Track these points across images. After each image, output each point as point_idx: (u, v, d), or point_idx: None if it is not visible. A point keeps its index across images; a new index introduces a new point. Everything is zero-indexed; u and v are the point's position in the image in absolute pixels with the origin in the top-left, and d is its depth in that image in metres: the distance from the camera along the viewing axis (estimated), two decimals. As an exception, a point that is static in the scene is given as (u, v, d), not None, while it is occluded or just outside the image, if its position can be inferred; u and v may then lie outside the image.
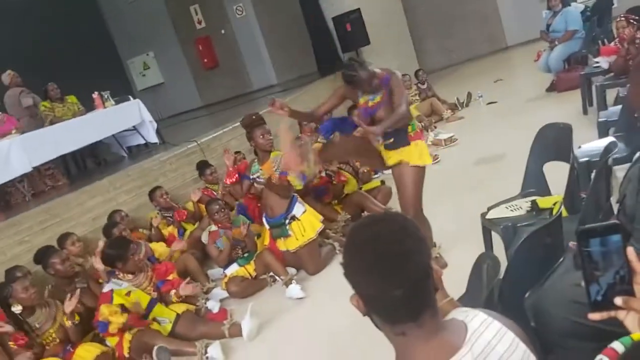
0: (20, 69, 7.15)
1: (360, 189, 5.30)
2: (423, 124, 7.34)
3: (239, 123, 6.98)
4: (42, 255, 4.25)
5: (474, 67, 12.04)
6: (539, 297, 2.07)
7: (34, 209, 5.14)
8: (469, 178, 5.17)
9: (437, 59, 12.87)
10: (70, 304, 3.67)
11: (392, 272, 1.07)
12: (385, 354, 1.34)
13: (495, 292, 1.80)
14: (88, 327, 3.96)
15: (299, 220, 4.39)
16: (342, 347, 3.24)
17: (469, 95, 8.44)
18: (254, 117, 4.39)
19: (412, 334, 1.10)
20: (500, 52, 12.72)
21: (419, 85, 8.51)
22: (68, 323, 3.73)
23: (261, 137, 4.32)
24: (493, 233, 3.16)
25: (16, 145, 5.65)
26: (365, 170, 5.57)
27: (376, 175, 5.84)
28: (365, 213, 5.04)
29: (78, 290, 3.80)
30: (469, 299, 1.93)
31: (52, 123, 6.61)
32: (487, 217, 3.17)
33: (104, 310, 3.67)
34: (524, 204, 3.14)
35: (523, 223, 2.94)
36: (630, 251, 1.01)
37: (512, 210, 3.13)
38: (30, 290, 3.65)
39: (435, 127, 7.46)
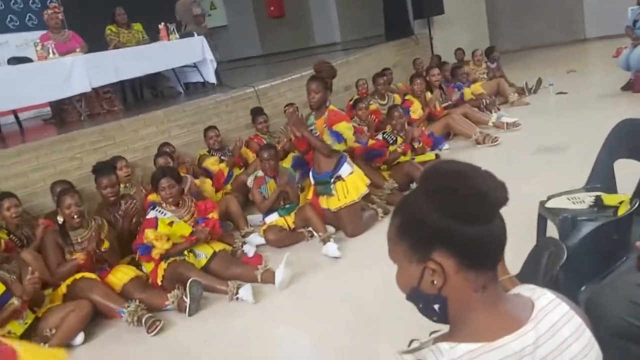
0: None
1: (413, 159, 5.17)
2: (486, 102, 7.12)
3: (298, 75, 7.00)
4: (97, 171, 4.23)
5: (547, 55, 11.57)
6: (596, 292, 1.95)
7: (88, 129, 5.21)
8: (527, 165, 4.96)
9: (511, 41, 12.42)
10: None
11: (500, 189, 1.00)
12: (409, 325, 1.27)
13: (553, 281, 1.70)
14: (126, 250, 4.02)
15: (344, 181, 4.32)
16: (367, 313, 3.20)
17: (539, 81, 8.10)
18: (333, 66, 4.30)
19: (489, 289, 1.02)
20: (578, 43, 12.18)
21: (489, 64, 8.21)
22: (97, 251, 3.73)
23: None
24: (548, 223, 3.03)
25: (78, 64, 5.70)
26: (420, 144, 5.43)
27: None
28: (414, 184, 4.93)
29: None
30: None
31: (115, 48, 6.65)
32: (547, 205, 3.03)
33: (149, 234, 3.72)
34: (588, 198, 2.97)
35: (584, 217, 2.78)
36: None
37: (573, 203, 2.97)
38: (72, 208, 3.68)
39: (499, 109, 7.20)
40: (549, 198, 3.10)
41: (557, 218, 2.84)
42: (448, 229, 0.98)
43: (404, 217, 1.06)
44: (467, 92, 7.13)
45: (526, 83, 8.10)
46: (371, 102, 6.68)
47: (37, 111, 7.14)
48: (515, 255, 1.92)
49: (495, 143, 5.94)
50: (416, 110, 6.42)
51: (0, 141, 5.58)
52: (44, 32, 6.36)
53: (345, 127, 4.21)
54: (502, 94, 7.78)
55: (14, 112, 6.13)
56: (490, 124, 6.56)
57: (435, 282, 1.02)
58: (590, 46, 11.78)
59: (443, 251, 1.00)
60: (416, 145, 5.40)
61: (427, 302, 1.06)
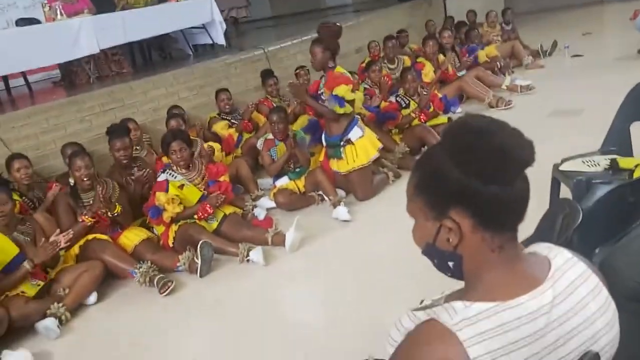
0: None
1: (425, 122, 5.10)
2: (500, 64, 6.99)
3: (309, 37, 6.88)
4: (110, 133, 4.22)
5: (563, 17, 11.32)
6: (610, 254, 1.93)
7: (97, 91, 5.19)
8: (541, 128, 4.86)
9: (526, 2, 12.15)
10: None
11: (524, 149, 0.95)
12: (420, 285, 1.26)
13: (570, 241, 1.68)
14: (137, 212, 4.04)
15: (353, 144, 4.27)
16: (377, 274, 3.21)
17: (555, 44, 7.94)
18: (338, 26, 4.21)
19: (506, 249, 0.99)
20: (595, 5, 11.88)
21: (504, 25, 8.03)
22: (108, 214, 3.72)
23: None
24: (562, 186, 3.00)
25: (86, 25, 5.63)
26: (432, 109, 5.34)
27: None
28: (426, 148, 4.88)
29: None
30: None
31: (123, 9, 6.56)
32: (560, 168, 2.99)
33: (161, 197, 3.72)
34: (603, 161, 2.93)
35: (598, 180, 2.74)
36: None
37: (588, 166, 2.93)
38: (82, 170, 3.68)
39: (513, 72, 7.08)
40: (563, 161, 3.06)
41: (571, 181, 2.81)
42: (466, 187, 0.95)
43: (423, 172, 1.03)
44: (482, 55, 7.00)
45: (541, 45, 7.93)
46: (382, 66, 6.60)
47: (46, 73, 7.11)
48: (527, 219, 1.90)
49: (509, 106, 5.86)
50: (428, 73, 6.31)
51: (10, 103, 5.58)
52: (52, -7, 6.28)
53: (344, 90, 4.12)
54: (516, 57, 7.64)
55: (23, 74, 6.11)
56: (504, 87, 6.46)
57: (450, 240, 1.00)
58: (607, 8, 11.49)
59: (460, 210, 0.97)
60: (428, 109, 5.32)
61: (442, 258, 1.05)
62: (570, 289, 1.01)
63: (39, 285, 3.33)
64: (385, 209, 4.13)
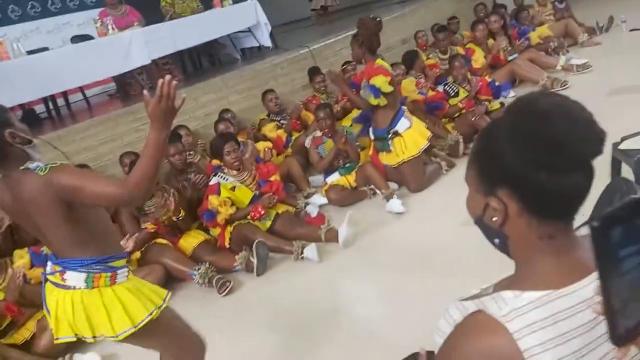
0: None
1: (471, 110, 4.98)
2: (553, 45, 6.73)
3: (353, 32, 6.83)
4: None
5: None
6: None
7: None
8: (600, 108, 4.45)
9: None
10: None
11: (587, 141, 0.88)
12: (479, 275, 1.23)
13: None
14: (194, 216, 4.14)
15: (401, 136, 4.22)
16: (435, 266, 3.17)
17: (611, 19, 7.57)
18: (377, 20, 4.19)
19: (557, 239, 0.94)
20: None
21: (556, 3, 7.72)
22: (173, 219, 3.86)
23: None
24: (623, 165, 2.86)
25: (137, 38, 5.80)
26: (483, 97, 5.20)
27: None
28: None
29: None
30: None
31: (171, 18, 6.72)
32: (620, 147, 2.85)
33: (213, 201, 3.80)
34: (666, 137, 2.78)
35: (662, 157, 2.61)
36: None
37: (650, 143, 2.79)
38: None
39: (568, 52, 6.78)
40: (623, 139, 2.92)
41: (632, 159, 2.68)
42: (517, 170, 0.90)
43: (482, 144, 0.99)
44: (534, 36, 6.74)
45: (597, 22, 7.57)
46: (430, 56, 6.48)
47: (102, 87, 7.37)
48: (588, 200, 1.82)
49: (565, 87, 5.63)
50: (478, 59, 6.17)
51: (70, 117, 5.82)
52: (102, 9, 6.51)
53: (381, 81, 4.07)
54: (570, 35, 7.32)
55: (81, 89, 6.36)
56: (559, 67, 6.22)
57: (495, 218, 0.96)
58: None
59: (508, 191, 0.93)
60: (478, 97, 5.19)
61: (489, 233, 1.01)
62: None
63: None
64: (440, 199, 4.07)
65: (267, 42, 7.25)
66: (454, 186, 4.46)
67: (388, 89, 4.08)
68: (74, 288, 1.92)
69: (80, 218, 1.88)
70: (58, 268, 1.94)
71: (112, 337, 1.95)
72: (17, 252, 3.50)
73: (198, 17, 6.71)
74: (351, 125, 4.94)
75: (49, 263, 2.00)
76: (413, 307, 2.81)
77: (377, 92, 4.08)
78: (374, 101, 4.12)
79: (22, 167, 1.85)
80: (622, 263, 0.70)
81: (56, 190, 1.78)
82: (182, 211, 3.87)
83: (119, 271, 1.99)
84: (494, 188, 0.95)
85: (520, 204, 0.93)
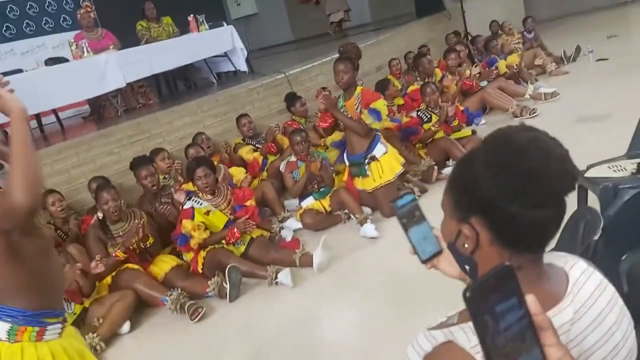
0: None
1: (449, 135, 5.08)
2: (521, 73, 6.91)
3: (329, 58, 6.95)
4: (135, 164, 4.36)
5: (586, 21, 11.18)
6: (638, 262, 1.88)
7: (124, 123, 5.33)
8: (568, 135, 4.58)
9: (548, 8, 12.03)
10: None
11: (561, 178, 0.91)
12: (452, 300, 1.25)
13: (590, 250, 1.65)
14: (167, 240, 4.11)
15: (379, 161, 4.29)
16: (408, 290, 3.18)
17: (578, 49, 7.84)
18: (357, 46, 4.27)
19: (526, 270, 0.95)
20: (619, 7, 11.67)
21: (525, 33, 7.97)
22: (141, 246, 3.81)
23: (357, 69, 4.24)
24: (589, 193, 2.93)
25: (112, 61, 5.80)
26: (456, 123, 5.29)
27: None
28: (451, 161, 4.85)
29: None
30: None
31: (147, 42, 6.74)
32: (586, 175, 2.93)
33: (187, 225, 3.78)
34: (630, 165, 2.87)
35: (626, 185, 2.68)
36: (532, 300, 0.77)
37: (615, 171, 2.87)
38: (109, 203, 3.78)
39: (537, 80, 6.99)
40: (589, 167, 3.00)
41: (598, 187, 2.75)
42: (490, 201, 0.93)
43: (459, 172, 1.02)
44: (502, 65, 6.93)
45: (564, 51, 7.84)
46: (415, 83, 6.57)
47: (76, 109, 7.33)
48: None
49: (534, 115, 5.78)
50: (450, 87, 6.30)
51: (43, 140, 5.76)
52: (78, 31, 6.51)
53: (382, 104, 4.23)
54: (539, 65, 7.55)
55: (54, 112, 6.30)
56: (527, 95, 6.39)
57: (466, 246, 0.99)
58: (632, 9, 11.28)
59: (481, 220, 0.96)
60: (452, 123, 5.29)
61: (460, 259, 1.04)
62: (590, 302, 0.98)
63: (75, 313, 3.41)
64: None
65: (243, 67, 7.30)
66: (426, 212, 4.52)
67: (386, 112, 4.18)
68: None
69: (12, 260, 1.62)
70: None
71: None
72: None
73: (174, 41, 6.75)
74: (326, 149, 4.98)
75: None
76: (389, 333, 2.82)
77: (379, 115, 4.15)
78: (377, 125, 4.18)
79: None
80: (501, 319, 0.73)
81: None
82: (150, 238, 3.84)
83: (49, 327, 1.73)
84: (468, 216, 0.98)
85: (492, 234, 0.96)
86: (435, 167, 4.76)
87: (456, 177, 1.02)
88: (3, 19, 7.55)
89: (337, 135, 5.03)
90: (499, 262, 0.94)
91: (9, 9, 7.63)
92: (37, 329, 1.70)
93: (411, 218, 1.15)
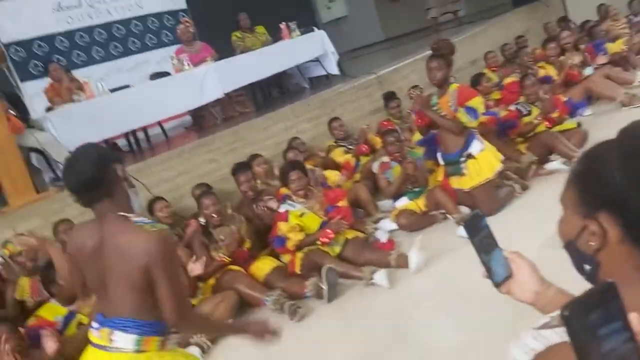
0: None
1: (551, 128, 4.83)
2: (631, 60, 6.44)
3: (420, 55, 6.85)
4: (234, 170, 4.53)
5: None
6: None
7: (223, 131, 5.57)
8: None
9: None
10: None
11: None
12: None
13: None
14: (266, 242, 4.23)
15: (475, 158, 4.15)
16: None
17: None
18: (451, 42, 4.19)
19: None
20: None
21: (632, 17, 7.41)
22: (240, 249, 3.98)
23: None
24: None
25: (210, 73, 6.09)
26: (557, 114, 5.02)
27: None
28: (554, 156, 4.62)
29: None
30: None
31: (242, 52, 6.99)
32: None
33: (283, 227, 3.89)
34: None
35: None
36: (636, 320, 0.69)
37: None
38: (210, 209, 3.98)
39: (647, 66, 6.48)
40: None
41: None
42: (627, 196, 0.87)
43: (586, 164, 0.96)
44: (612, 47, 6.45)
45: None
46: (513, 75, 6.35)
47: (180, 120, 7.74)
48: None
49: (645, 104, 5.37)
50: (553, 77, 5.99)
51: (150, 150, 6.14)
52: (179, 46, 6.88)
53: (479, 102, 4.11)
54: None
55: (159, 123, 6.70)
56: (637, 82, 5.94)
57: (592, 243, 0.93)
58: None
59: (611, 216, 0.90)
60: (553, 115, 5.03)
61: (580, 259, 0.98)
62: None
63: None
64: (515, 221, 3.94)
65: (335, 71, 7.38)
66: (526, 209, 4.34)
67: (482, 109, 4.07)
68: (121, 350, 1.77)
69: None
70: (106, 329, 1.80)
71: None
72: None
73: (267, 49, 6.95)
74: (412, 149, 4.92)
75: (94, 324, 1.86)
76: (490, 336, 2.72)
77: (476, 113, 4.06)
78: (473, 123, 4.09)
79: (120, 213, 1.78)
80: (603, 342, 0.68)
81: (155, 259, 1.72)
82: (247, 242, 3.99)
83: (171, 335, 1.89)
84: (595, 211, 0.92)
85: (624, 231, 0.90)
86: (533, 166, 4.54)
87: (582, 169, 0.96)
88: (110, 37, 8.14)
89: (418, 134, 4.95)
90: (628, 262, 0.90)
91: (115, 28, 8.21)
92: (162, 338, 1.83)
93: (484, 240, 1.14)
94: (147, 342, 1.79)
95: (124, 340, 1.77)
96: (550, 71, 6.12)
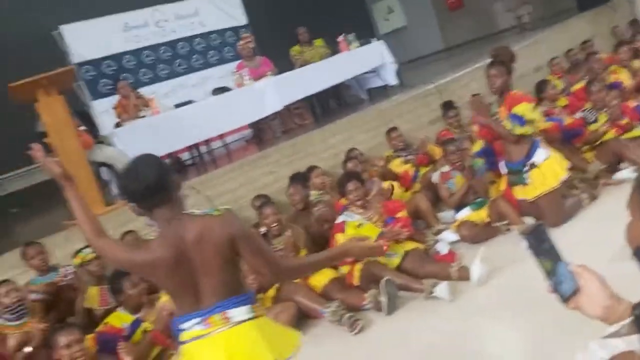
0: (273, 14, 7.73)
1: (620, 136, 4.61)
2: None
3: (481, 63, 6.71)
4: (290, 180, 4.61)
5: None
6: None
7: (282, 144, 5.66)
8: None
9: None
10: None
11: None
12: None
13: None
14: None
15: (539, 167, 4.01)
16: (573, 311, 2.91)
17: None
18: (509, 49, 4.09)
19: None
20: None
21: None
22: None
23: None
24: None
25: (270, 86, 6.21)
26: (625, 121, 4.78)
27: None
28: (624, 165, 4.40)
29: None
30: None
31: (301, 66, 7.09)
32: None
33: (340, 238, 3.88)
34: None
35: None
36: None
37: None
38: (270, 218, 4.04)
39: None
40: None
41: None
42: None
43: None
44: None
45: None
46: (580, 81, 6.14)
47: (240, 133, 7.92)
48: None
49: None
50: (623, 82, 5.73)
51: (212, 163, 6.30)
52: (239, 61, 7.05)
53: (525, 108, 3.93)
54: None
55: (221, 136, 6.87)
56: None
57: None
58: None
59: None
60: (622, 122, 4.80)
61: None
62: None
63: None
64: (581, 234, 3.78)
65: (393, 81, 7.37)
66: (595, 220, 4.15)
67: (531, 116, 3.93)
68: (242, 322, 1.89)
69: (238, 260, 1.94)
70: (216, 315, 1.87)
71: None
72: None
73: (325, 62, 7.02)
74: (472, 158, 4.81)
75: (189, 323, 1.90)
76: (554, 349, 2.62)
77: (521, 120, 3.94)
78: (519, 130, 3.97)
79: (184, 212, 1.91)
80: None
81: (234, 230, 1.86)
82: (302, 251, 4.02)
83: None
84: None
85: None
86: (603, 172, 4.35)
87: None
88: (175, 55, 8.44)
89: (477, 145, 4.83)
90: None
91: (180, 46, 8.51)
92: (257, 304, 2.01)
93: (547, 253, 1.10)
94: (255, 309, 1.95)
95: (240, 312, 1.90)
96: (622, 75, 5.86)
